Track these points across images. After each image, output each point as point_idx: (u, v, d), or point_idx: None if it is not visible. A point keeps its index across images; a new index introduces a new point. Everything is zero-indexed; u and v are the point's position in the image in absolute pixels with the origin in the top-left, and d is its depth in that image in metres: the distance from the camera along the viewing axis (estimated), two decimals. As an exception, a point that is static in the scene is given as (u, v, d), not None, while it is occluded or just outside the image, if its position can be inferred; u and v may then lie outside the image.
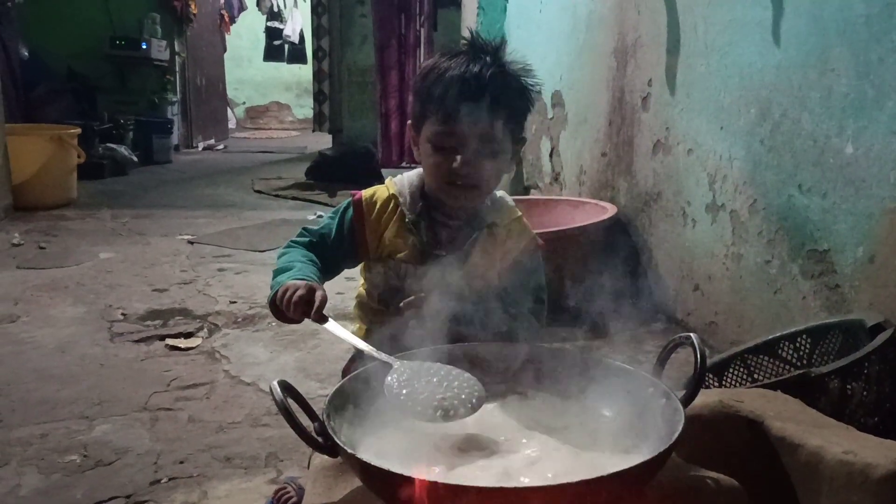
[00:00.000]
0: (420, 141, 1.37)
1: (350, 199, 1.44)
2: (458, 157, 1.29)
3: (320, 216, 5.19)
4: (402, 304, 1.27)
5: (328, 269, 1.42)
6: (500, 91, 1.29)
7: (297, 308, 1.19)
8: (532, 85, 1.35)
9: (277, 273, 1.31)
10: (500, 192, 1.45)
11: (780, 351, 1.89)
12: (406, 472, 0.85)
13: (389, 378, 1.07)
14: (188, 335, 2.79)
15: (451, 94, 1.27)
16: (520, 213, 1.46)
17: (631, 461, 0.91)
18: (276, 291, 1.24)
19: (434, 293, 1.30)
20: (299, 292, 1.19)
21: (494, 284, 1.40)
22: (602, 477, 0.85)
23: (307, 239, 1.42)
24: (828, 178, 1.91)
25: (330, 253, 1.41)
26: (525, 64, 1.36)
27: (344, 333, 1.17)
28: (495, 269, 1.40)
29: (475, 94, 1.26)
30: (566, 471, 0.96)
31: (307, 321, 1.22)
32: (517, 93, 1.33)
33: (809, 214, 1.99)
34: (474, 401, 1.05)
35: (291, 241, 1.42)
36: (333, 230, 1.42)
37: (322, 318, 1.18)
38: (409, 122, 1.42)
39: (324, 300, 1.20)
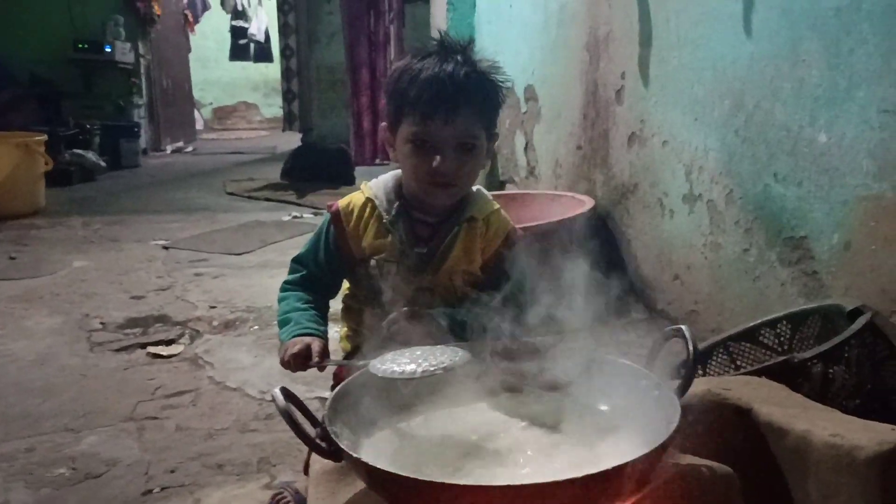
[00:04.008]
0: (397, 142, 1.39)
1: (328, 214, 1.46)
2: (437, 157, 1.31)
3: (295, 216, 5.16)
4: (384, 324, 1.30)
5: (330, 291, 1.48)
6: (474, 89, 1.32)
7: (295, 366, 1.28)
8: (502, 81, 1.38)
9: (280, 325, 1.39)
10: (476, 186, 1.48)
11: (761, 337, 1.92)
12: (413, 475, 0.86)
13: (375, 360, 1.11)
14: (169, 342, 2.76)
15: (426, 95, 1.30)
16: (497, 206, 1.49)
17: (630, 454, 0.93)
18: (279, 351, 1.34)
19: (413, 307, 1.32)
20: (291, 351, 1.28)
21: (479, 278, 1.42)
22: (605, 471, 0.86)
23: (300, 274, 1.46)
24: (802, 168, 1.95)
25: (326, 275, 1.46)
26: (493, 61, 1.39)
27: (342, 362, 1.36)
28: (476, 263, 1.42)
29: (450, 93, 1.29)
30: (566, 466, 0.98)
31: None
32: (489, 90, 1.36)
33: (785, 203, 2.03)
34: (456, 358, 1.09)
35: (286, 283, 1.46)
36: (322, 251, 1.45)
37: (321, 366, 1.27)
38: (382, 123, 1.44)
39: (320, 352, 1.28)
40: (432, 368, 1.06)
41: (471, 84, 1.31)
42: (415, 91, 1.31)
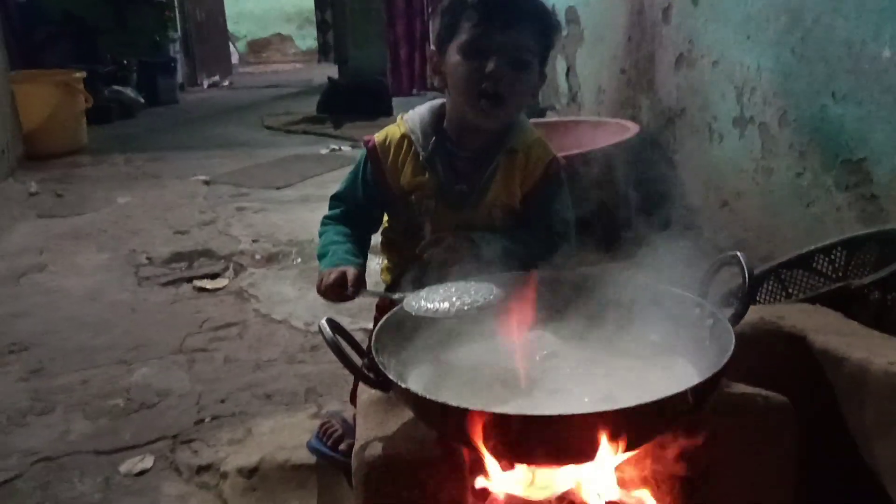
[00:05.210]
0: (446, 62, 1.33)
1: (364, 150, 1.43)
2: (491, 63, 1.26)
3: (334, 149, 5.14)
4: (418, 250, 1.29)
5: (369, 226, 1.46)
6: (532, 5, 1.31)
7: (331, 295, 1.29)
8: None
9: (319, 258, 1.38)
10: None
11: (814, 264, 1.86)
12: (463, 405, 0.85)
13: (409, 296, 1.10)
14: (214, 276, 2.81)
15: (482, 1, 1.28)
16: (538, 135, 1.43)
17: (684, 383, 0.91)
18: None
19: (451, 232, 1.31)
20: (327, 281, 1.28)
21: (519, 211, 1.39)
22: (661, 399, 0.85)
23: (339, 209, 1.44)
24: (864, 86, 1.85)
25: (364, 210, 1.43)
26: None
27: (378, 293, 1.34)
28: (516, 197, 1.39)
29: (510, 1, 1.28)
30: (617, 396, 0.97)
31: None
32: (545, 12, 1.34)
33: (844, 124, 1.93)
34: (491, 296, 1.07)
35: (325, 218, 1.45)
36: (360, 187, 1.42)
37: (356, 294, 1.27)
38: (431, 48, 1.39)
39: (356, 278, 1.27)
40: (465, 308, 1.04)
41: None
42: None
